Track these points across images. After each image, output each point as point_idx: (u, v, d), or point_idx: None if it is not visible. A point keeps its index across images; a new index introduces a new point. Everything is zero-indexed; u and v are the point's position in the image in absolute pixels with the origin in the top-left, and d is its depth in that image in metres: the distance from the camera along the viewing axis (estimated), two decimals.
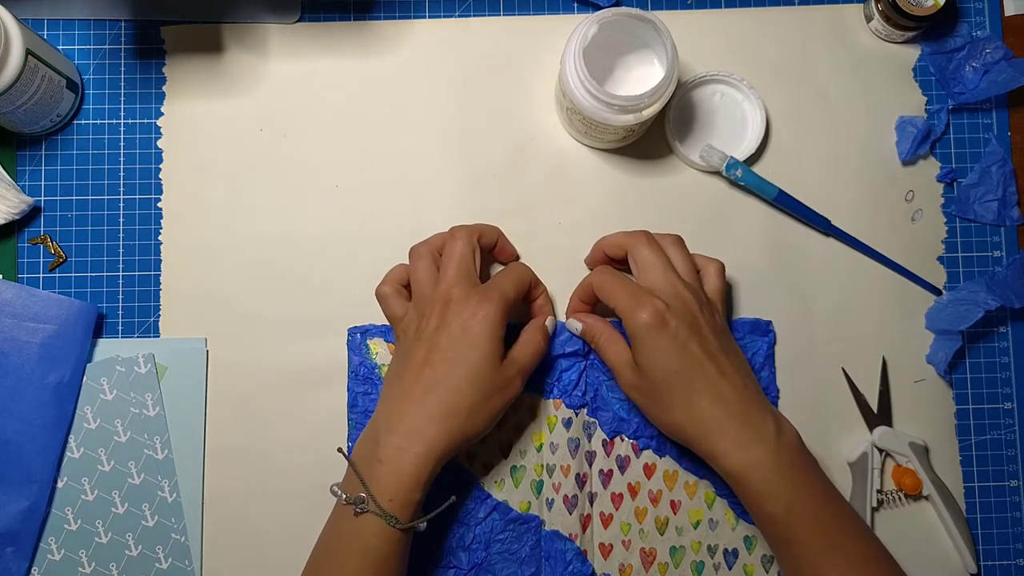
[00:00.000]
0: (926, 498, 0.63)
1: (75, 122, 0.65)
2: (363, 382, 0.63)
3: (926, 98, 0.66)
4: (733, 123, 0.66)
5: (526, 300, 0.62)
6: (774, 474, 0.54)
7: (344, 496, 0.54)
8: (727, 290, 0.64)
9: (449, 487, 0.61)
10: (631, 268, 0.59)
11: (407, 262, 0.61)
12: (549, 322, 0.62)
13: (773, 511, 0.54)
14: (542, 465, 0.63)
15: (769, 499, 0.54)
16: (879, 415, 0.64)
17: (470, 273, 0.58)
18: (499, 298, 0.57)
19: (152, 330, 0.64)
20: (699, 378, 0.55)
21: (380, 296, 0.61)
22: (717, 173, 0.65)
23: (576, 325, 0.62)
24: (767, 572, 0.62)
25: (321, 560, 0.56)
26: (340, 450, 0.57)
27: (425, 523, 0.55)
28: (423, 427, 0.54)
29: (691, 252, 0.61)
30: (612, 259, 0.61)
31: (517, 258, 0.65)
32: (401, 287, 0.61)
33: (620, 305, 0.56)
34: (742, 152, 0.65)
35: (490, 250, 0.63)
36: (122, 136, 0.65)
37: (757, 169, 0.65)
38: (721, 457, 0.54)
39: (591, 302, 0.62)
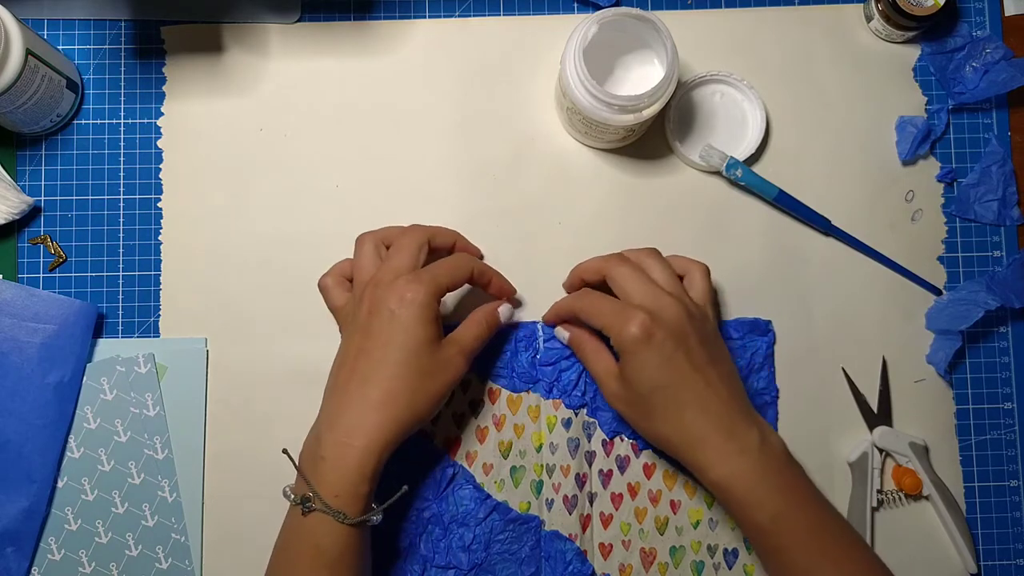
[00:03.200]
0: (926, 498, 0.63)
1: (75, 122, 0.65)
2: None
3: (926, 98, 0.66)
4: (733, 123, 0.66)
5: (485, 291, 0.62)
6: (759, 484, 0.53)
7: (292, 496, 0.54)
8: (715, 293, 0.63)
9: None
10: (611, 290, 0.58)
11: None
12: (503, 309, 0.61)
13: (759, 520, 0.53)
14: (542, 465, 0.63)
15: (754, 509, 0.53)
16: (879, 415, 0.64)
17: (408, 266, 0.57)
18: (429, 281, 0.56)
19: (152, 330, 0.64)
20: (686, 391, 0.54)
21: (322, 287, 0.61)
22: (717, 173, 0.65)
23: (563, 334, 0.62)
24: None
25: (277, 562, 0.55)
26: (285, 451, 0.56)
27: (380, 516, 0.54)
28: (363, 419, 0.54)
29: (672, 254, 0.60)
30: (589, 285, 0.61)
31: (481, 257, 0.64)
32: (344, 279, 0.61)
33: (606, 322, 0.56)
34: (742, 152, 0.65)
35: (447, 252, 0.62)
36: (122, 136, 0.65)
37: (757, 169, 0.65)
38: (706, 469, 0.54)
39: (568, 321, 0.62)
